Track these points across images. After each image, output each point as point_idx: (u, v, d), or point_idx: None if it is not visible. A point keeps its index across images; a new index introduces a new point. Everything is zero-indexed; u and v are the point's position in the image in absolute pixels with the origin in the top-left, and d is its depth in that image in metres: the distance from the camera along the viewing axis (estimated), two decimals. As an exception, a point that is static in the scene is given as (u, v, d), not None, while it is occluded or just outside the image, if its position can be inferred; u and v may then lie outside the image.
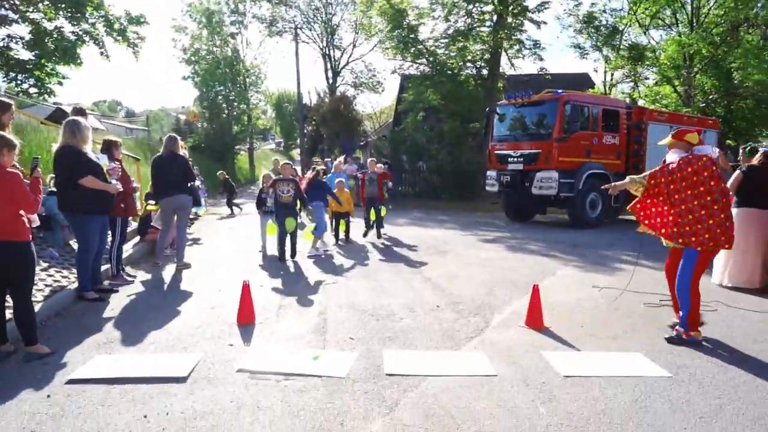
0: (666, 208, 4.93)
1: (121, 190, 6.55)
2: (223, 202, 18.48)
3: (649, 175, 4.97)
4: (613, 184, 5.45)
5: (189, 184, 7.90)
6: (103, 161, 6.33)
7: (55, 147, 5.84)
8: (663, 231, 4.93)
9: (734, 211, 7.06)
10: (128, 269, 7.57)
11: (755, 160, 7.12)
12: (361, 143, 30.52)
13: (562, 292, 6.73)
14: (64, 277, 6.39)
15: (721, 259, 7.13)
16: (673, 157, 4.98)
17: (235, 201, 17.50)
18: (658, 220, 4.99)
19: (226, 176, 18.55)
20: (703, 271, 4.91)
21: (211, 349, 4.57)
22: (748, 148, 7.60)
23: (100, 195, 5.85)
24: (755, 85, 21.99)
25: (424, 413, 3.45)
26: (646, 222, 5.07)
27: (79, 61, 19.45)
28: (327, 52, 37.64)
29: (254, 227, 10.54)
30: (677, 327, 4.90)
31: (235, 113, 36.82)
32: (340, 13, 37.17)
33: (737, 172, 7.19)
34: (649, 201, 5.05)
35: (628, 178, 5.21)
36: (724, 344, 4.80)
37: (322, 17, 36.83)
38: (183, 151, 8.38)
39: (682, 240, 4.77)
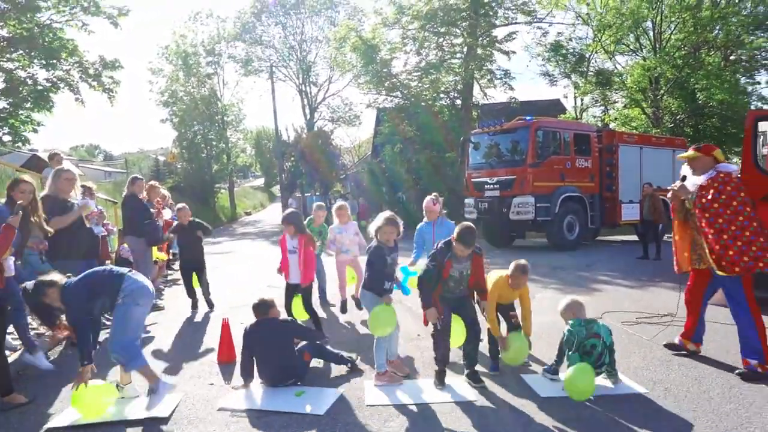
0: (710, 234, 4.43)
1: (104, 234, 6.55)
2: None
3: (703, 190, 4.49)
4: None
5: (144, 224, 7.67)
6: (90, 206, 6.33)
7: None
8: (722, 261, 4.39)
9: None
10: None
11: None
12: (341, 176, 30.70)
13: (541, 314, 6.79)
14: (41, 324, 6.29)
15: None
16: (690, 172, 4.65)
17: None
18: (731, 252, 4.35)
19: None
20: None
21: (191, 388, 4.54)
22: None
23: (83, 240, 5.82)
24: (719, 104, 22.77)
25: (405, 442, 3.47)
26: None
27: (50, 105, 19.44)
28: (303, 89, 38.09)
29: (238, 263, 10.40)
30: (749, 360, 4.42)
31: (214, 152, 36.88)
32: (314, 50, 37.82)
33: None
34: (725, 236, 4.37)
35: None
36: (699, 358, 4.90)
37: (297, 55, 37.40)
38: (144, 193, 8.32)
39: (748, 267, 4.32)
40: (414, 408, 3.97)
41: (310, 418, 3.86)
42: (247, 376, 4.46)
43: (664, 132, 22.42)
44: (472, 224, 4.31)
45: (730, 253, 4.33)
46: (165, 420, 3.90)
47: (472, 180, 15.00)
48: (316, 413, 3.92)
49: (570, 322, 4.32)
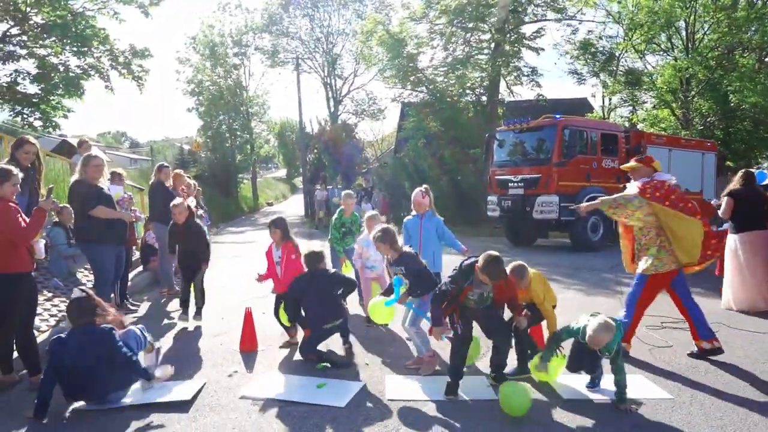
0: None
1: (133, 219, 6.69)
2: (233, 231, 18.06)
3: (667, 201, 4.87)
4: (579, 205, 5.48)
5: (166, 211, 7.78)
6: (117, 192, 6.46)
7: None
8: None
9: (732, 236, 7.10)
10: (133, 298, 7.62)
11: (735, 182, 7.10)
12: (363, 170, 30.72)
13: (563, 315, 6.72)
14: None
15: (728, 284, 7.12)
16: (632, 183, 5.10)
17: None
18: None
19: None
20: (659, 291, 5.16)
21: (214, 376, 4.60)
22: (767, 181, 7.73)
23: (112, 225, 5.94)
24: (752, 107, 22.22)
25: (425, 438, 3.46)
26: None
27: (81, 92, 19.77)
28: (328, 82, 38.12)
29: (260, 253, 10.44)
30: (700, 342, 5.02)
31: (238, 142, 37.19)
32: (341, 43, 37.76)
33: (726, 198, 7.09)
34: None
35: (598, 200, 5.16)
36: (726, 365, 4.80)
37: (323, 48, 37.41)
38: (170, 180, 8.41)
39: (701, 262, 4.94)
40: (434, 404, 3.96)
41: (332, 409, 3.87)
42: (294, 317, 5.16)
43: (694, 134, 21.94)
44: (497, 254, 3.98)
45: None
46: (187, 407, 3.96)
47: (496, 177, 14.87)
48: (337, 405, 3.94)
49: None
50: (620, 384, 3.85)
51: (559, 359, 4.28)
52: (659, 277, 4.96)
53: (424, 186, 5.99)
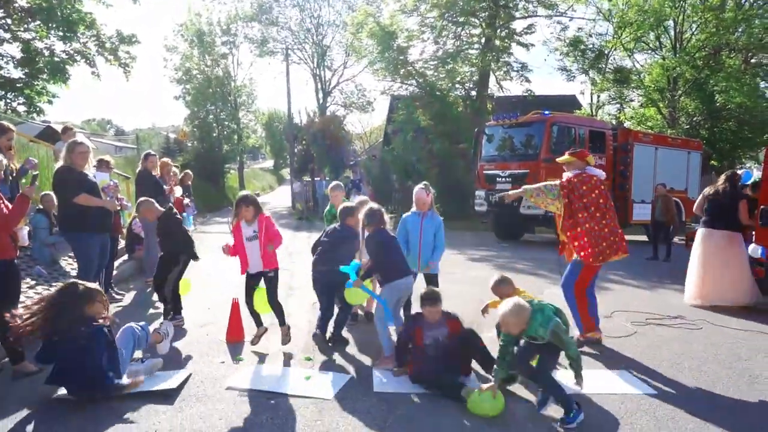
0: (579, 229, 5.12)
1: (118, 208, 6.61)
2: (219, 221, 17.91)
3: (562, 188, 5.15)
4: (506, 192, 5.64)
5: (156, 200, 7.77)
6: (103, 179, 6.37)
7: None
8: (583, 254, 5.11)
9: (703, 231, 7.23)
10: (118, 287, 7.54)
11: (720, 184, 7.31)
12: (351, 163, 30.61)
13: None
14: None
15: (696, 278, 7.23)
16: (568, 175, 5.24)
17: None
18: (576, 243, 5.18)
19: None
20: (590, 278, 5.32)
21: (200, 367, 4.57)
22: (752, 181, 7.87)
23: (97, 213, 5.86)
24: (737, 107, 22.49)
25: (415, 428, 3.47)
26: (573, 245, 5.23)
27: (66, 77, 19.43)
28: (317, 73, 37.90)
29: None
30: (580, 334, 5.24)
31: (225, 132, 36.86)
32: (331, 34, 37.53)
33: (701, 196, 7.56)
34: (579, 229, 5.13)
35: (522, 188, 5.46)
36: (710, 361, 4.87)
37: (313, 38, 37.16)
38: (157, 169, 8.34)
39: (602, 258, 5.10)
40: (420, 396, 3.97)
41: (318, 402, 3.86)
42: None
43: (680, 133, 22.18)
44: (436, 289, 4.47)
45: (575, 243, 5.13)
46: (174, 393, 3.93)
47: (484, 172, 14.92)
48: (324, 397, 3.93)
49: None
50: (572, 357, 3.91)
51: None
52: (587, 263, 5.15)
53: (424, 183, 5.73)
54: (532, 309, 3.74)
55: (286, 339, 5.10)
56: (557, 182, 5.25)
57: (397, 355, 4.44)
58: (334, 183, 6.69)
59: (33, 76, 19.18)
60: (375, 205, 4.92)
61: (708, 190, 7.41)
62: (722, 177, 7.38)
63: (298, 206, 22.76)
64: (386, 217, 4.89)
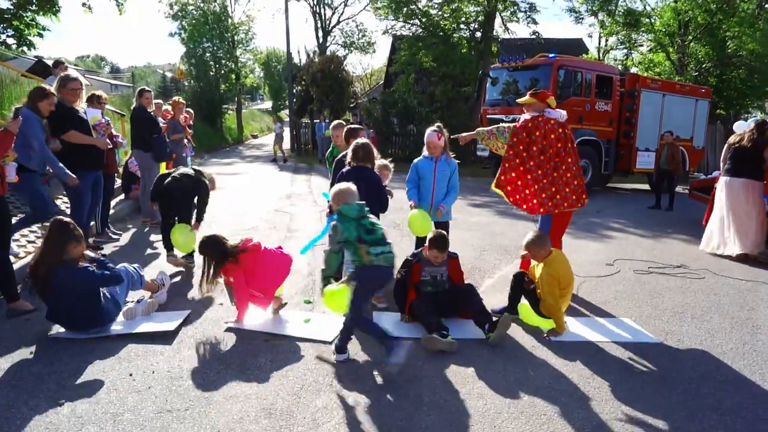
0: (529, 177, 4.73)
1: (111, 146, 6.45)
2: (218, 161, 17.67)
3: (513, 134, 4.80)
4: (461, 135, 5.43)
5: (151, 138, 7.59)
6: (94, 116, 6.16)
7: None
8: (525, 207, 4.82)
9: (725, 179, 7.11)
10: (114, 227, 7.43)
11: (747, 132, 7.09)
12: (351, 105, 30.04)
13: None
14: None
15: (715, 227, 7.16)
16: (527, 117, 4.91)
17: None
18: (518, 196, 4.80)
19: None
20: (563, 231, 5.11)
21: (198, 308, 4.51)
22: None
23: (88, 150, 5.68)
24: (749, 54, 21.88)
25: (413, 374, 3.44)
26: (511, 199, 4.83)
27: (56, 8, 18.72)
28: (317, 11, 36.66)
29: (243, 183, 10.15)
30: None
31: (222, 71, 35.99)
32: (332, -31, 36.07)
33: (727, 144, 7.34)
34: (513, 174, 4.77)
35: (476, 130, 5.27)
36: (712, 311, 4.83)
37: (313, -27, 35.74)
38: (152, 106, 8.07)
39: (543, 209, 4.77)
40: (416, 341, 3.92)
41: (317, 345, 3.83)
42: None
43: (688, 80, 21.65)
44: (444, 232, 4.38)
45: (517, 197, 4.80)
46: (172, 335, 3.89)
47: (488, 116, 14.59)
48: (323, 339, 3.89)
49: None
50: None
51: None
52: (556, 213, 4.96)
53: (437, 125, 5.34)
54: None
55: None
56: (510, 125, 4.92)
57: (396, 298, 4.43)
58: (336, 122, 6.38)
59: (21, 7, 18.45)
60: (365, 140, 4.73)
61: (733, 138, 7.24)
62: (751, 124, 7.20)
63: (275, 149, 22.11)
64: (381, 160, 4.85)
